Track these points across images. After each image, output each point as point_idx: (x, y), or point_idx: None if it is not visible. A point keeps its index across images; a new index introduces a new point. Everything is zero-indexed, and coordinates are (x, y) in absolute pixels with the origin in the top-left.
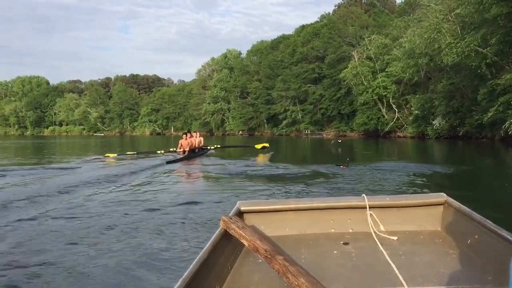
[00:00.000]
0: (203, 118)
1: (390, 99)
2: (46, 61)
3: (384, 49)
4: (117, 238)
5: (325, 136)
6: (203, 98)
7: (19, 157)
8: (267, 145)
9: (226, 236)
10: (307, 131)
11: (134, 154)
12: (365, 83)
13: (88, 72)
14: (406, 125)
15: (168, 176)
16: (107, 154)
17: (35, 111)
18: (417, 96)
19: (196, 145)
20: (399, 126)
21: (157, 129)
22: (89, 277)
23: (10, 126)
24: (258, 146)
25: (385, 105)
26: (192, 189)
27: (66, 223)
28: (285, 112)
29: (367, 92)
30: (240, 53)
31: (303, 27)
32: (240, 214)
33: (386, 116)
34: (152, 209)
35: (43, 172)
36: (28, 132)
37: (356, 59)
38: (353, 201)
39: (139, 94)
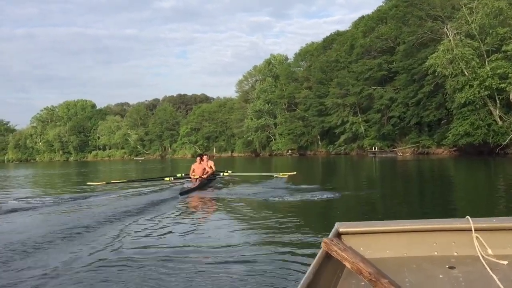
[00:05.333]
0: (245, 136)
1: (511, 94)
2: (104, 88)
3: (497, 18)
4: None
5: (400, 154)
6: (245, 113)
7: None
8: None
9: (327, 258)
10: (374, 148)
11: (124, 181)
12: (466, 73)
13: (142, 97)
14: None
15: (189, 209)
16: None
17: (78, 135)
18: None
19: (208, 170)
20: None
21: (198, 150)
22: None
23: (55, 152)
24: (283, 175)
25: (498, 105)
26: (225, 222)
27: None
28: (343, 125)
29: (471, 86)
30: (286, 58)
31: (362, 18)
32: (338, 235)
33: (500, 122)
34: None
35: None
36: (72, 158)
37: (451, 38)
38: (457, 223)
39: (186, 114)
